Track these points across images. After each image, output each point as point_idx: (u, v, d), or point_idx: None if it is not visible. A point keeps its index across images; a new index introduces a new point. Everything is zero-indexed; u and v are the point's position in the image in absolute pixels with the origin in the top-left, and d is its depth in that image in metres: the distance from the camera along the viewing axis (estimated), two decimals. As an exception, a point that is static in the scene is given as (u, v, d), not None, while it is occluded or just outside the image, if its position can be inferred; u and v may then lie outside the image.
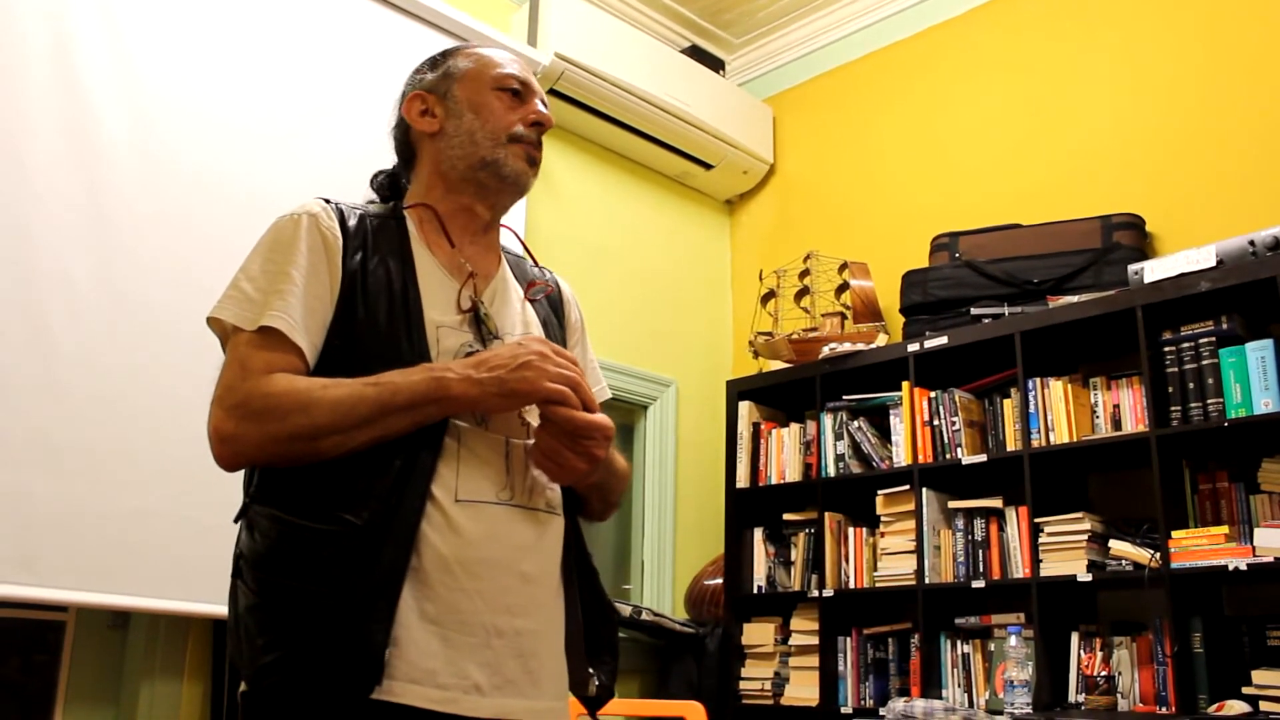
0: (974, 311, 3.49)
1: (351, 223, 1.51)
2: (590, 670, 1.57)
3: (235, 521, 1.43)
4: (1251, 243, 2.94)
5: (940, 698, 3.27)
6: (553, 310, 1.72)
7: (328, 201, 1.54)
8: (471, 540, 1.39)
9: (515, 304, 1.63)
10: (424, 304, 1.48)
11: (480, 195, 1.61)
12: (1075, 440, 3.15)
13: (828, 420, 3.75)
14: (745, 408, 4.03)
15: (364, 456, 1.37)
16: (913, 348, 3.54)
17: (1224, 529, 2.84)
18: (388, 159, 3.35)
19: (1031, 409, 3.24)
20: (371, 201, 1.65)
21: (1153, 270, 3.08)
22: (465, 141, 1.59)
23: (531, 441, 1.47)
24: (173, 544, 2.66)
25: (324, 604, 1.30)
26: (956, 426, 3.41)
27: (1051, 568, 3.11)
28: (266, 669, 1.31)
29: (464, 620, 1.37)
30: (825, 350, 3.78)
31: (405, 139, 1.66)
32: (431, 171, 1.61)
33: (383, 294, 1.46)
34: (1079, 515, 3.10)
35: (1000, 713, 2.94)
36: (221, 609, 1.45)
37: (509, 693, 1.40)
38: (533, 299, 1.67)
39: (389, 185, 1.69)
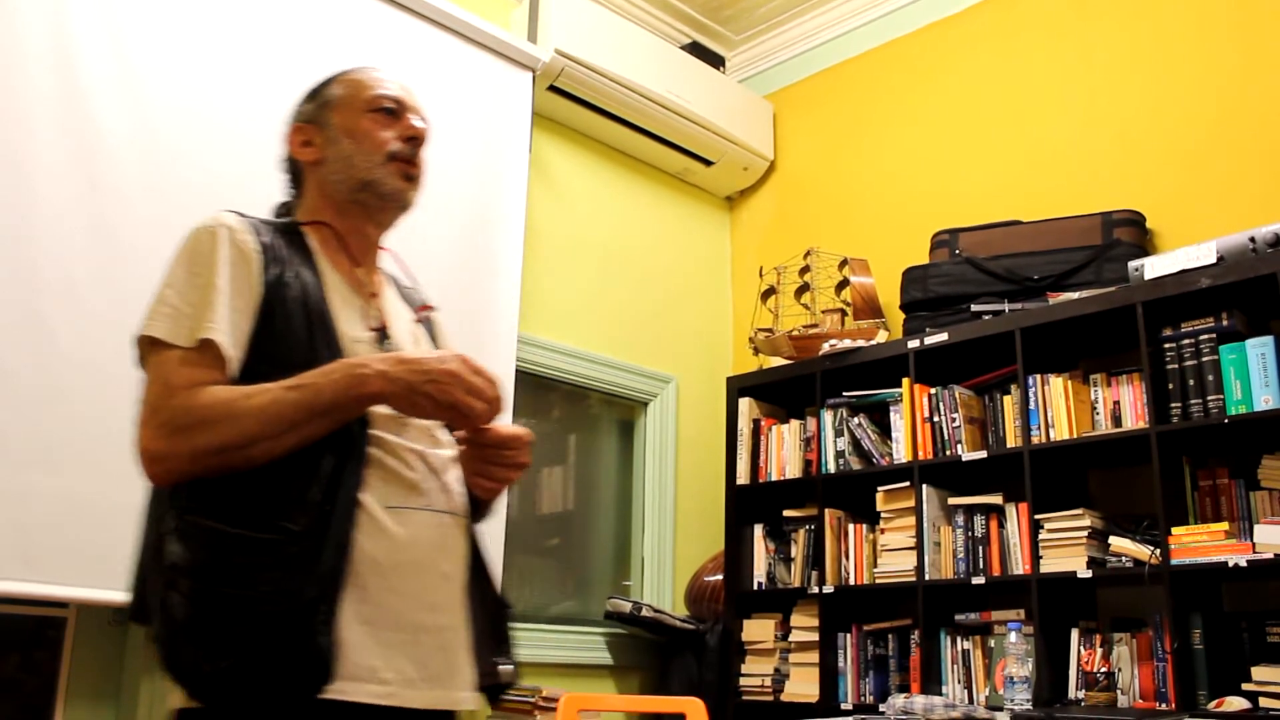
0: (974, 308, 3.49)
1: (265, 237, 1.55)
2: (495, 660, 1.64)
3: (164, 534, 1.41)
4: (1252, 239, 2.94)
5: (940, 694, 3.27)
6: (429, 332, 1.79)
7: (240, 214, 1.57)
8: (400, 544, 1.47)
9: (405, 322, 1.72)
10: (338, 320, 1.55)
11: (366, 215, 1.69)
12: (1075, 437, 3.15)
13: (828, 417, 3.75)
14: (745, 404, 4.03)
15: (293, 465, 1.41)
16: (913, 344, 3.54)
17: (1224, 525, 2.84)
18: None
19: (1032, 405, 3.24)
20: (267, 222, 1.67)
21: (1153, 267, 3.08)
22: (344, 166, 1.66)
23: (449, 453, 1.59)
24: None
25: (269, 611, 1.34)
26: (957, 423, 3.41)
27: (1051, 564, 3.11)
28: (215, 678, 1.33)
29: (395, 619, 1.44)
30: (825, 347, 3.79)
31: (293, 168, 1.73)
32: (318, 196, 1.68)
33: (299, 307, 1.51)
34: (1079, 512, 3.10)
35: (1000, 709, 2.94)
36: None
37: (435, 685, 1.47)
38: (420, 320, 1.76)
39: (284, 206, 1.74)
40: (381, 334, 1.60)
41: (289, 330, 1.49)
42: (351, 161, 1.65)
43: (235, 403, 1.39)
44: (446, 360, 1.46)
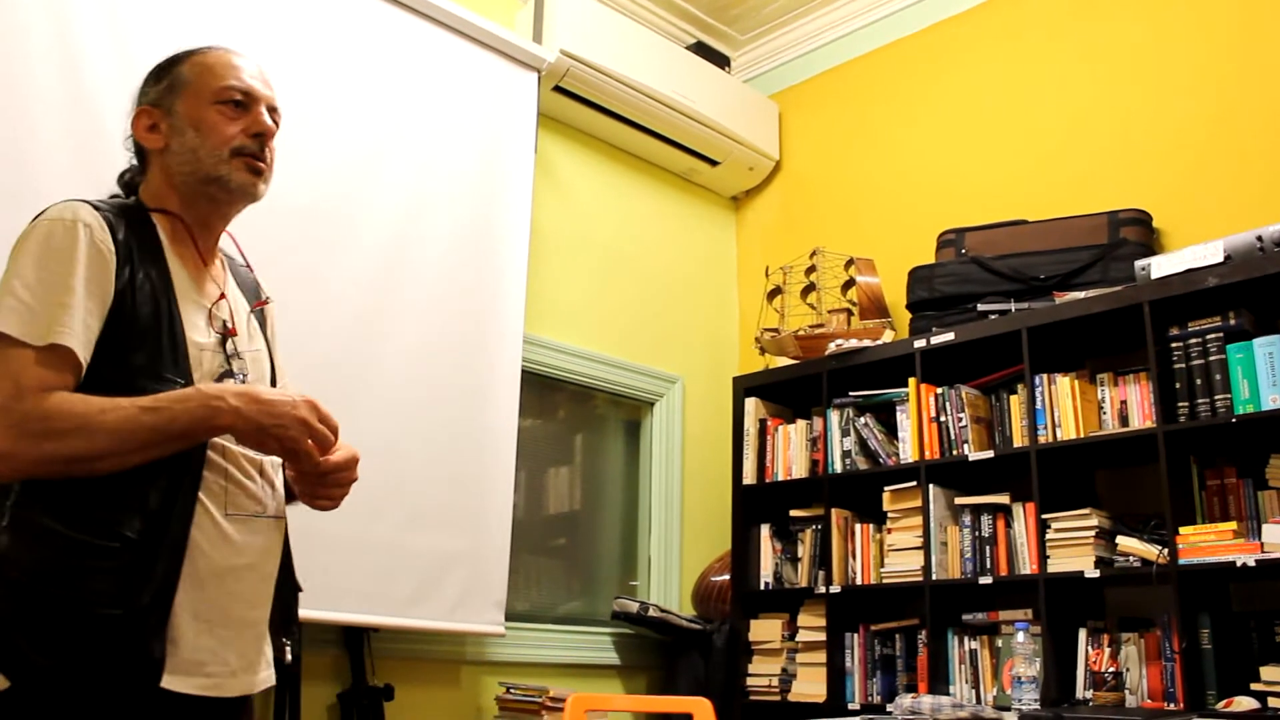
0: (980, 307, 3.49)
1: (120, 234, 1.54)
2: (284, 641, 1.71)
3: (2, 529, 1.42)
4: (1259, 238, 2.93)
5: (948, 694, 3.27)
6: (261, 324, 1.82)
7: (95, 207, 1.55)
8: (238, 549, 1.57)
9: (243, 314, 1.74)
10: (185, 325, 1.57)
11: (213, 208, 1.69)
12: (1082, 436, 3.15)
13: (834, 417, 3.75)
14: (752, 404, 4.03)
15: (134, 472, 1.46)
16: (919, 344, 3.54)
17: (1232, 525, 2.83)
18: (391, 158, 3.36)
19: (1038, 405, 3.24)
20: (115, 195, 1.68)
21: (1160, 266, 3.08)
22: (189, 158, 1.64)
23: (278, 459, 1.64)
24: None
25: (105, 615, 1.40)
26: (963, 423, 3.41)
27: (1059, 564, 3.10)
28: (36, 674, 1.38)
29: (227, 617, 1.54)
30: (831, 346, 3.78)
31: (138, 147, 1.71)
32: (164, 182, 1.66)
33: (149, 311, 1.53)
34: (1086, 511, 3.09)
35: (1008, 709, 2.94)
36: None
37: (250, 671, 1.59)
38: (255, 312, 1.78)
39: (130, 183, 1.71)
40: (224, 337, 1.64)
41: (136, 333, 1.51)
42: (196, 154, 1.64)
43: (91, 417, 1.41)
44: (298, 407, 1.52)
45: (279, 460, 1.66)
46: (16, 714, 1.38)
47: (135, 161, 1.72)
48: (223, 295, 1.68)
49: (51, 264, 1.46)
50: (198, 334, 1.59)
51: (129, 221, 1.59)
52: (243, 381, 1.63)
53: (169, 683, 1.45)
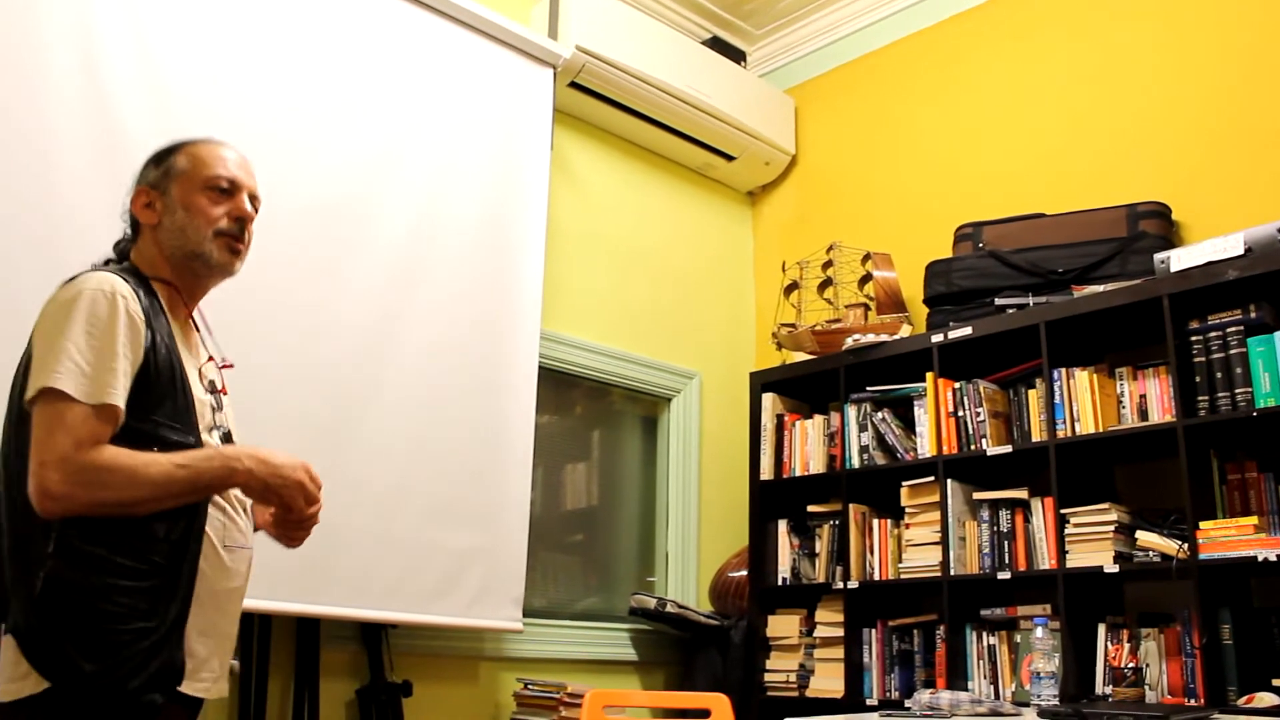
0: (998, 302, 3.48)
1: (143, 300, 1.80)
2: (234, 657, 2.10)
3: (38, 548, 1.65)
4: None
5: (966, 689, 3.26)
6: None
7: (122, 279, 1.79)
8: (230, 574, 1.85)
9: (216, 373, 1.99)
10: (190, 383, 1.84)
11: (195, 280, 1.95)
12: (1101, 431, 3.13)
13: (852, 412, 3.74)
14: (769, 399, 4.02)
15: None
16: (937, 338, 3.53)
17: (1253, 519, 2.81)
18: (407, 156, 3.38)
19: (1057, 399, 3.22)
20: (110, 259, 1.93)
21: (1179, 259, 3.06)
22: (179, 235, 1.90)
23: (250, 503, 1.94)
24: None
25: (141, 627, 1.67)
26: (981, 417, 3.39)
27: (1078, 559, 3.09)
28: (79, 678, 1.61)
29: (217, 631, 1.82)
30: (849, 341, 3.77)
31: (133, 220, 1.95)
32: (156, 254, 1.91)
33: (167, 370, 1.79)
34: (1105, 506, 3.08)
35: (1027, 704, 2.93)
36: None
37: (222, 679, 1.86)
38: (221, 366, 2.02)
39: (123, 251, 1.95)
40: (214, 394, 1.92)
41: (159, 390, 1.77)
42: (185, 232, 1.90)
43: (136, 470, 1.67)
44: (297, 470, 1.81)
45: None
46: (52, 713, 1.61)
47: (129, 232, 1.96)
48: (211, 358, 1.96)
49: (98, 332, 1.70)
50: (199, 391, 1.86)
51: (143, 289, 1.83)
52: (226, 434, 1.91)
53: (184, 686, 1.73)
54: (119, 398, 1.69)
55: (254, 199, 1.99)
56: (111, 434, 1.68)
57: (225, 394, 1.96)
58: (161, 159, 1.95)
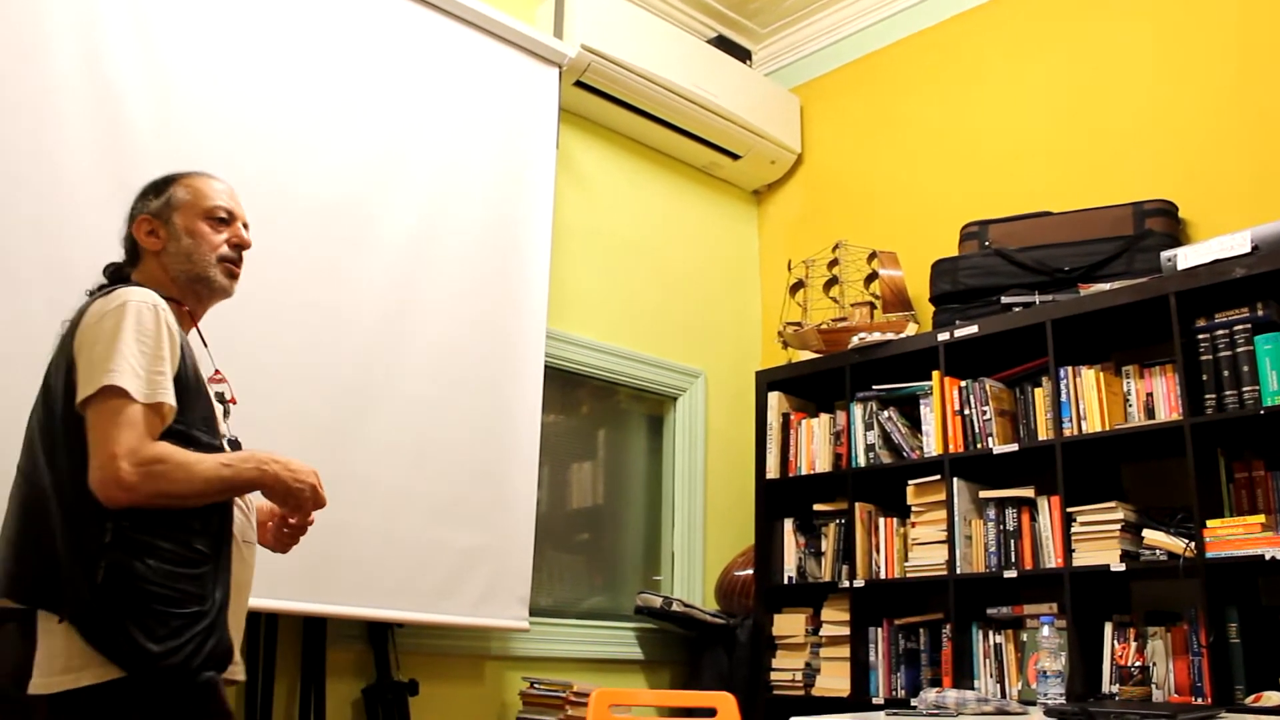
0: (1004, 300, 3.47)
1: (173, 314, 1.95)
2: None
3: (95, 537, 1.76)
4: (1287, 228, 2.90)
5: (972, 688, 3.25)
6: None
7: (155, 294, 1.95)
8: (248, 567, 2.02)
9: (219, 381, 2.16)
10: (209, 392, 2.02)
11: (199, 301, 2.11)
12: (1108, 429, 3.13)
13: (858, 410, 3.74)
14: (775, 398, 4.02)
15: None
16: (943, 337, 3.52)
17: (1260, 518, 2.80)
18: (413, 155, 3.38)
19: (1063, 398, 3.22)
20: (104, 284, 2.03)
21: (1186, 257, 3.05)
22: (185, 260, 2.06)
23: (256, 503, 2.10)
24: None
25: (196, 610, 1.81)
26: (987, 416, 3.39)
27: (1084, 557, 3.09)
28: (147, 660, 1.73)
29: (237, 620, 1.97)
30: (855, 340, 3.77)
31: (133, 247, 2.09)
32: (163, 276, 2.06)
33: (193, 376, 1.95)
34: (1112, 504, 3.07)
35: (1033, 703, 2.92)
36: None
37: (241, 662, 2.02)
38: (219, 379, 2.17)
39: (117, 275, 2.08)
40: (221, 401, 2.08)
41: (189, 394, 1.92)
42: (190, 257, 2.06)
43: (190, 465, 1.82)
44: (309, 476, 1.96)
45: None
46: (129, 700, 1.73)
47: (126, 256, 2.09)
48: (218, 371, 2.13)
49: (146, 340, 1.85)
50: (214, 400, 2.02)
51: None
52: (233, 441, 2.05)
53: (230, 672, 1.90)
54: (171, 397, 1.85)
55: (246, 227, 2.16)
56: (161, 432, 1.83)
57: (234, 403, 2.13)
58: (160, 189, 2.10)
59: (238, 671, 1.97)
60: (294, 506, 1.98)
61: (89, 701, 1.70)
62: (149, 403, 1.81)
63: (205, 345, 2.13)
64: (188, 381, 1.92)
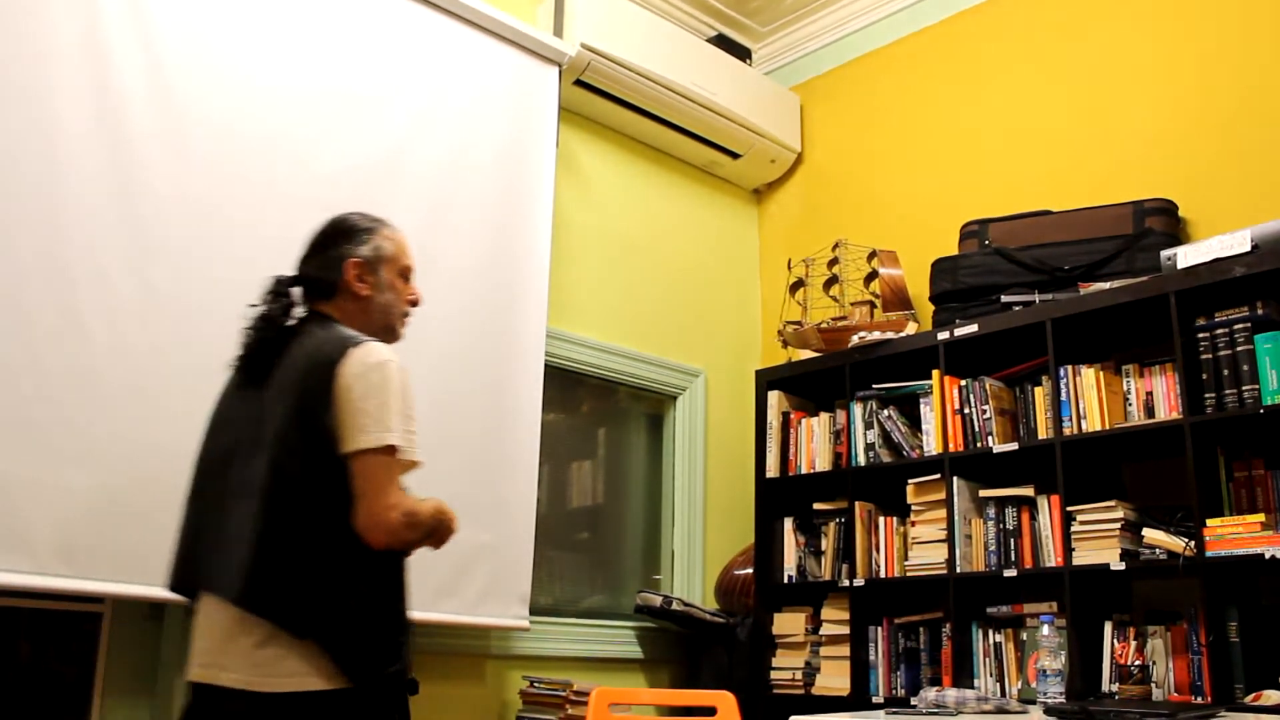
0: (1004, 299, 3.47)
1: None
2: None
3: (359, 575, 1.96)
4: (1287, 227, 2.90)
5: (972, 687, 3.26)
6: None
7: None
8: None
9: None
10: None
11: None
12: (1108, 428, 3.13)
13: (857, 409, 3.74)
14: (774, 397, 4.02)
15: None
16: (943, 336, 3.52)
17: (1260, 517, 2.80)
18: (413, 154, 3.37)
19: (1063, 397, 3.22)
20: (281, 298, 2.18)
21: (1186, 256, 3.05)
22: (384, 312, 2.22)
23: None
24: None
25: (402, 641, 2.03)
26: (987, 415, 3.39)
27: (1084, 556, 3.09)
28: (379, 678, 1.94)
29: None
30: (855, 339, 3.77)
31: (334, 284, 2.18)
32: (360, 315, 2.18)
33: None
34: (1112, 503, 3.07)
35: (1033, 702, 2.92)
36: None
37: None
38: None
39: (310, 298, 2.21)
40: None
41: None
42: (389, 311, 2.22)
43: (423, 516, 2.00)
44: (454, 519, 2.10)
45: None
46: (353, 708, 1.91)
47: (313, 286, 2.19)
48: None
49: (406, 400, 2.02)
50: None
51: None
52: None
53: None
54: (418, 456, 2.05)
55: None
56: None
57: None
58: (362, 236, 2.22)
59: None
60: (438, 542, 2.11)
61: (320, 705, 1.88)
62: (408, 460, 2.00)
63: None
64: None
